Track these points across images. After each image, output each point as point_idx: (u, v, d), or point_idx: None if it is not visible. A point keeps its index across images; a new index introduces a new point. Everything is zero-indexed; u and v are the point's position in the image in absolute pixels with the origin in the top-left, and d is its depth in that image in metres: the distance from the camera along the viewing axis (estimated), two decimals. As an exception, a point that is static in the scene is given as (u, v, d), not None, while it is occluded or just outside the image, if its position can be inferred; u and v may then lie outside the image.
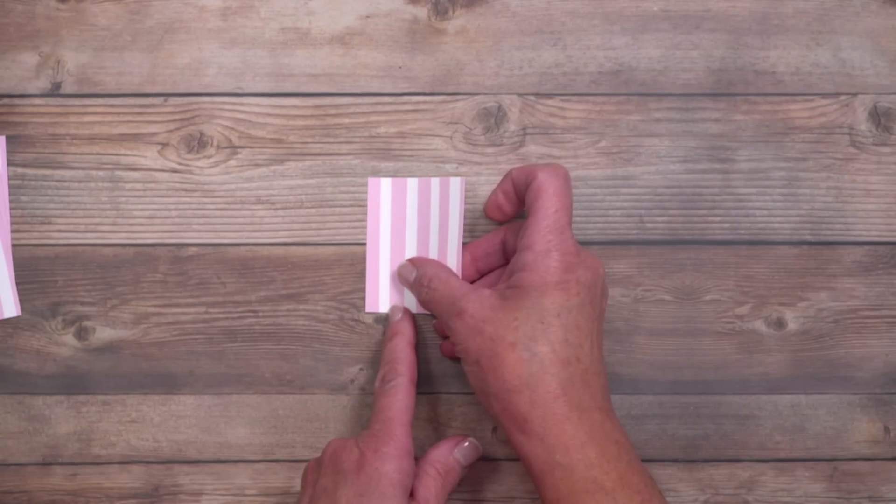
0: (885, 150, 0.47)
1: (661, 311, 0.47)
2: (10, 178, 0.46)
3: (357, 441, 0.40)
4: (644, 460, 0.46)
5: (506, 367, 0.38)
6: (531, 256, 0.39)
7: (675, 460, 0.47)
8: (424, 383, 0.47)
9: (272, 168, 0.46)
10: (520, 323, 0.38)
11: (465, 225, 0.45)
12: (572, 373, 0.38)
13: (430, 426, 0.47)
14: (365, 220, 0.46)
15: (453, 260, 0.45)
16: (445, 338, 0.46)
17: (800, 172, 0.47)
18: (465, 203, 0.46)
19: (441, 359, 0.47)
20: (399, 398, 0.41)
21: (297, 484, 0.46)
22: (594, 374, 0.39)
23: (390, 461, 0.38)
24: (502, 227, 0.45)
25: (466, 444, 0.43)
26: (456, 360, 0.46)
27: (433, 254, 0.46)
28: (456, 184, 0.45)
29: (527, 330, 0.38)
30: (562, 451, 0.37)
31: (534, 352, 0.38)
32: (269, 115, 0.46)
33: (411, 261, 0.45)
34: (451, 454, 0.42)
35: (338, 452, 0.40)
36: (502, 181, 0.43)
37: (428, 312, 0.46)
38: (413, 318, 0.45)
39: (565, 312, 0.38)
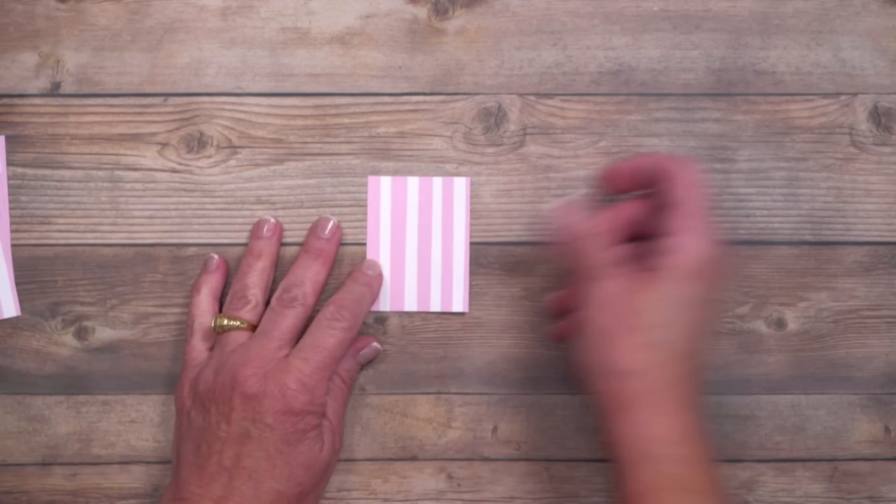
0: (886, 150, 0.47)
1: (661, 311, 0.47)
2: (10, 178, 0.46)
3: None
4: (644, 460, 0.46)
5: (626, 347, 0.38)
6: (675, 242, 0.39)
7: (676, 460, 0.47)
8: (425, 383, 0.47)
9: (272, 168, 0.46)
10: (651, 306, 0.38)
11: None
12: (686, 368, 0.38)
13: (429, 426, 0.47)
14: (365, 220, 0.46)
15: (461, 261, 0.45)
16: (557, 319, 0.45)
17: (800, 172, 0.47)
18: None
19: (441, 359, 0.46)
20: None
21: (296, 484, 0.46)
22: (701, 373, 0.39)
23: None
24: (632, 203, 0.42)
25: (368, 348, 0.45)
26: (561, 341, 0.45)
27: (437, 254, 0.46)
28: (461, 183, 0.45)
29: (658, 316, 0.38)
30: (658, 443, 0.37)
31: (657, 339, 0.38)
32: (269, 115, 0.46)
33: (578, 202, 0.43)
34: (354, 361, 0.45)
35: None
36: (633, 159, 0.43)
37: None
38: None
39: (696, 306, 0.38)
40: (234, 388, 0.40)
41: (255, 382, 0.40)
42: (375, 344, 0.45)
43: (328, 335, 0.41)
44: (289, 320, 0.42)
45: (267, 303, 0.44)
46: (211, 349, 0.44)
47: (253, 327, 0.43)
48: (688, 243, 0.38)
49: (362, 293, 0.44)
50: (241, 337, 0.42)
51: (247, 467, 0.39)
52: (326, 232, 0.45)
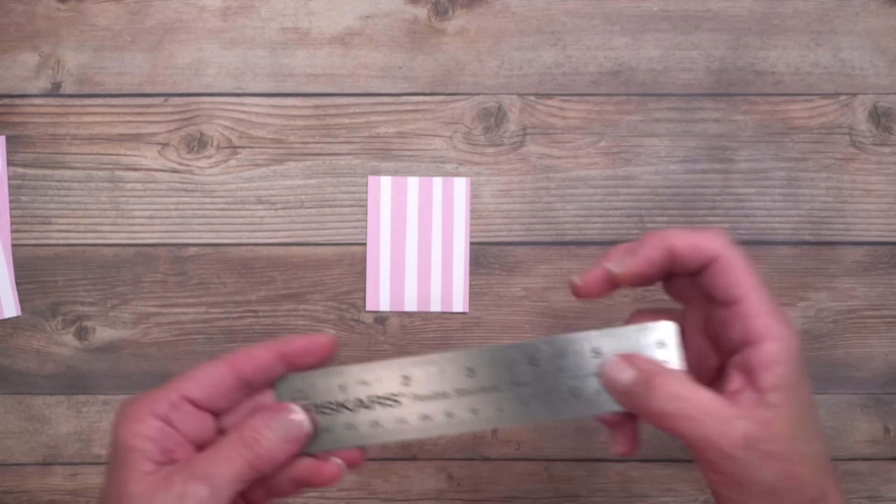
0: (885, 150, 0.47)
1: (661, 311, 0.47)
2: (10, 178, 0.46)
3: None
4: (644, 460, 0.46)
5: (805, 484, 0.32)
6: (775, 349, 0.33)
7: (675, 460, 0.47)
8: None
9: (272, 168, 0.46)
10: (798, 429, 0.33)
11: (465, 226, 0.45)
12: (833, 464, 0.34)
13: (430, 426, 0.47)
14: (365, 220, 0.46)
15: (461, 261, 0.45)
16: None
17: (800, 172, 0.47)
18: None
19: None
20: (194, 372, 0.35)
21: (297, 484, 0.46)
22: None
23: (127, 426, 0.33)
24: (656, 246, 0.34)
25: (282, 413, 0.35)
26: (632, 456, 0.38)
27: (437, 253, 0.46)
28: (461, 184, 0.45)
29: (806, 433, 0.33)
30: None
31: (819, 454, 0.33)
32: (269, 115, 0.46)
33: (625, 359, 0.34)
34: (264, 424, 0.34)
35: None
36: (646, 247, 0.34)
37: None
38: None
39: (813, 401, 0.34)
40: None
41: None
42: (297, 416, 0.35)
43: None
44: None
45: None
46: None
47: None
48: (780, 349, 0.33)
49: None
50: None
51: None
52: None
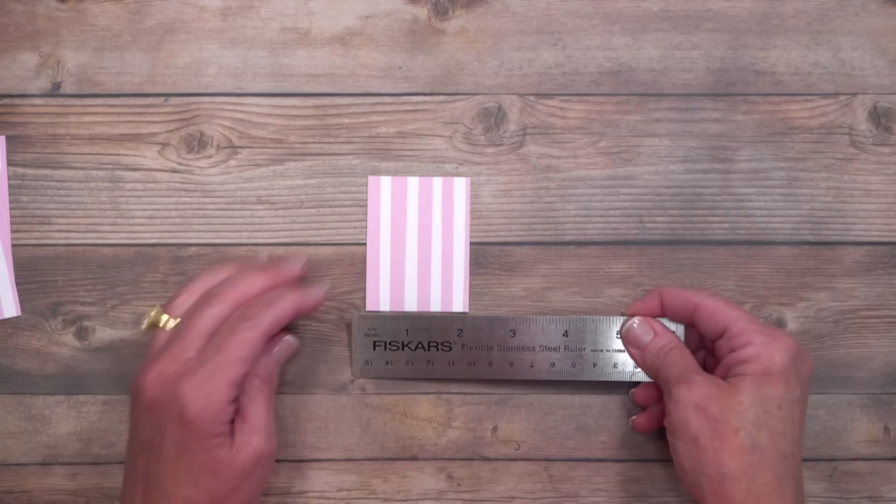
0: (885, 150, 0.47)
1: (661, 311, 0.47)
2: (10, 178, 0.46)
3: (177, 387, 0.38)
4: (644, 460, 0.46)
5: (727, 450, 0.38)
6: (753, 350, 0.40)
7: (675, 460, 0.47)
8: (425, 383, 0.47)
9: (272, 168, 0.46)
10: (744, 408, 0.39)
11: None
12: (787, 468, 0.38)
13: (429, 426, 0.47)
14: (365, 220, 0.46)
15: (461, 261, 0.45)
16: (641, 409, 0.46)
17: (800, 172, 0.47)
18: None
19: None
20: (241, 345, 0.39)
21: (297, 484, 0.46)
22: (799, 470, 0.39)
23: (210, 413, 0.38)
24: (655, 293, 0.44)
25: (282, 344, 0.42)
26: (646, 432, 0.46)
27: (437, 253, 0.46)
28: (461, 184, 0.45)
29: (751, 416, 0.38)
30: None
31: (756, 441, 0.38)
32: (269, 115, 0.46)
33: (647, 321, 0.44)
34: (269, 358, 0.42)
35: (162, 401, 0.38)
36: (646, 296, 0.45)
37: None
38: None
39: (786, 405, 0.39)
40: (138, 394, 0.39)
41: (152, 389, 0.38)
42: (288, 338, 0.42)
43: (228, 335, 0.39)
44: (205, 320, 0.39)
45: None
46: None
47: None
48: (766, 349, 0.40)
49: (274, 296, 0.41)
50: (166, 336, 0.41)
51: (154, 475, 0.38)
52: (292, 266, 0.43)
